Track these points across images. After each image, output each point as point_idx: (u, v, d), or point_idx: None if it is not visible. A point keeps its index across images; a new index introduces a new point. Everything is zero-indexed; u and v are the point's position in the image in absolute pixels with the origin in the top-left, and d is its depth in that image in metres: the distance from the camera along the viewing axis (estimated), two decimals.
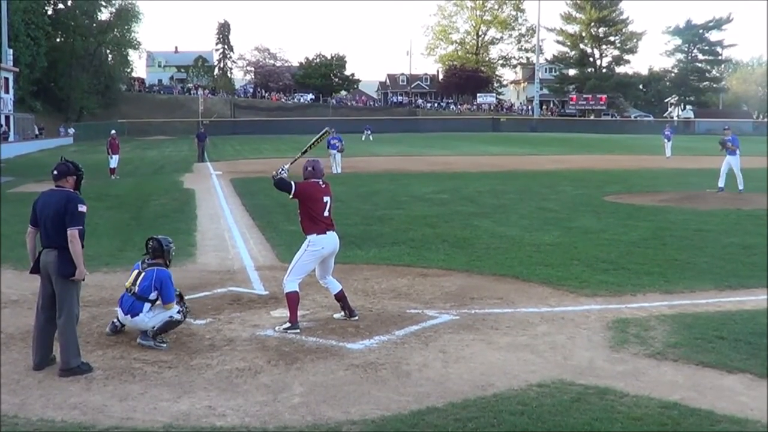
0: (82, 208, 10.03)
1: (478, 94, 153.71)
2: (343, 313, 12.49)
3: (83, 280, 10.19)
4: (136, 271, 11.54)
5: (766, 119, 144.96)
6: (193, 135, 66.33)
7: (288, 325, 11.83)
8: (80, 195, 10.27)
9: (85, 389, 9.32)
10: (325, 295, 13.06)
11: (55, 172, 10.24)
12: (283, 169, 12.18)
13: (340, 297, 12.54)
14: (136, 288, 11.25)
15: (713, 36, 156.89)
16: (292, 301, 11.99)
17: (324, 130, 13.16)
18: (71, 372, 9.79)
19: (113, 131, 46.50)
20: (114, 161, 43.11)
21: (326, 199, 12.29)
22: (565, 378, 9.53)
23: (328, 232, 12.20)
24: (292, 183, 12.03)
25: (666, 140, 58.98)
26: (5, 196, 32.38)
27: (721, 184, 31.08)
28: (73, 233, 9.88)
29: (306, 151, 12.74)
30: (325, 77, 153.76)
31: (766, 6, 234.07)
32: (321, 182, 12.41)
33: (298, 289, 12.09)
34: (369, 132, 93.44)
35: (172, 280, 11.44)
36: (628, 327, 11.78)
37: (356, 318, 12.36)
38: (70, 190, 10.22)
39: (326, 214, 12.25)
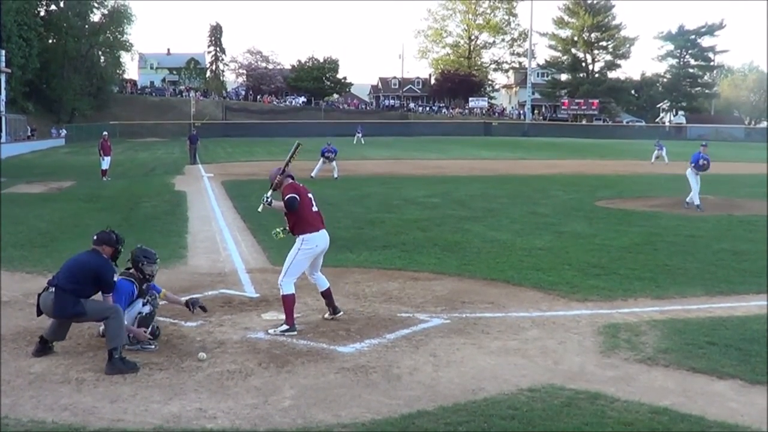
0: (116, 278, 10.68)
1: (470, 98, 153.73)
2: (328, 311, 12.57)
3: None
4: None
5: (766, 125, 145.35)
6: (185, 137, 66.32)
7: (285, 327, 11.81)
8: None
9: (76, 391, 9.31)
10: (317, 297, 13.04)
11: (95, 237, 10.85)
12: (267, 197, 12.25)
13: (327, 294, 12.58)
14: None
15: (705, 42, 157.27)
16: (289, 303, 11.96)
17: (296, 144, 12.90)
18: (113, 365, 9.99)
19: (105, 133, 46.41)
20: (105, 163, 43.01)
21: (310, 195, 12.40)
22: (556, 383, 9.54)
23: (320, 230, 12.25)
24: (292, 195, 12.04)
25: (659, 150, 59.02)
26: None
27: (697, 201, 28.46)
28: (108, 299, 10.53)
29: (283, 170, 12.50)
30: (317, 80, 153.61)
31: (765, 11, 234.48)
32: (298, 183, 12.49)
33: (294, 291, 12.06)
34: (360, 134, 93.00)
35: (126, 294, 11.09)
36: (618, 332, 11.80)
37: (341, 313, 12.49)
38: (107, 257, 10.73)
39: (315, 209, 12.32)
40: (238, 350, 10.97)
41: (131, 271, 11.46)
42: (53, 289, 10.37)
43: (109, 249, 10.77)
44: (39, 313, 10.67)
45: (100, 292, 10.53)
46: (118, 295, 10.93)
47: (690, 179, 28.89)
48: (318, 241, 12.17)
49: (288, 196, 12.05)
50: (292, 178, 12.55)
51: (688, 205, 28.38)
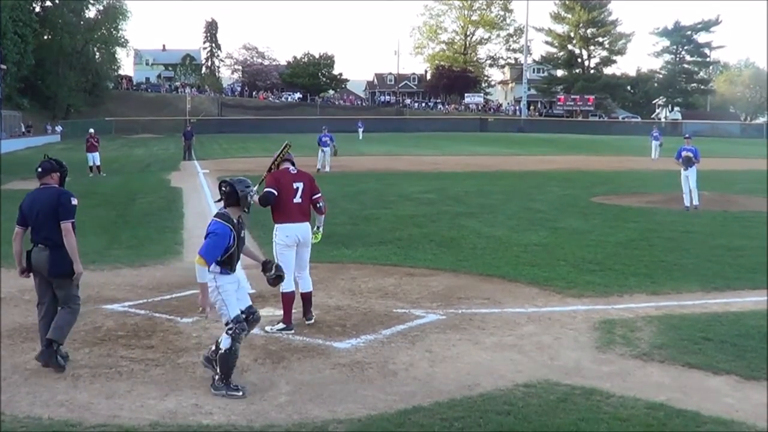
0: (74, 201, 10.17)
1: (465, 94, 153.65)
2: (307, 316, 12.23)
3: (80, 278, 10.25)
4: None
5: (762, 121, 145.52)
6: (180, 133, 66.28)
7: (282, 326, 11.73)
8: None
9: (72, 387, 9.31)
10: (313, 294, 13.01)
11: (39, 170, 10.32)
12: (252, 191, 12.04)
13: (305, 298, 12.24)
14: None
15: (701, 38, 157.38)
16: (288, 301, 11.86)
17: (285, 144, 12.45)
18: (50, 354, 9.85)
19: (91, 130, 46.52)
20: (96, 159, 43.15)
21: (297, 185, 11.97)
22: (552, 378, 9.55)
23: (295, 223, 11.86)
24: (268, 190, 11.83)
25: (654, 141, 58.95)
26: None
27: (687, 202, 27.54)
28: (66, 226, 9.98)
29: (271, 168, 12.26)
30: (312, 76, 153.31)
31: (765, 10, 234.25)
32: (292, 168, 12.19)
33: (293, 289, 11.95)
34: (362, 129, 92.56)
35: (222, 237, 9.22)
36: (614, 328, 11.81)
37: (311, 321, 12.11)
38: (57, 185, 10.28)
39: (297, 200, 11.92)
40: None
41: (235, 209, 9.48)
42: (43, 246, 10.09)
43: (56, 175, 10.35)
44: (29, 271, 10.31)
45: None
46: (216, 239, 9.18)
47: (691, 180, 27.43)
48: (289, 231, 11.78)
49: (264, 190, 11.84)
50: (293, 164, 12.31)
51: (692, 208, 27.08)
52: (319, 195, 12.34)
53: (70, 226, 10.03)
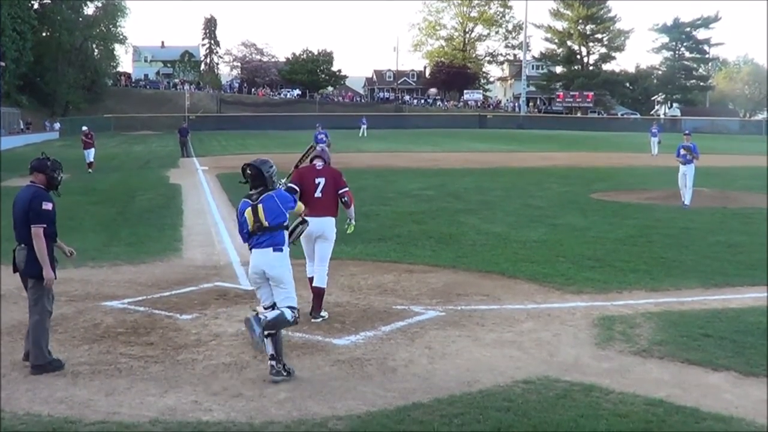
0: (47, 206, 9.93)
1: (464, 91, 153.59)
2: (312, 313, 12.36)
3: (51, 284, 9.97)
4: (249, 209, 9.83)
5: (761, 117, 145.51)
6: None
7: (325, 314, 12.39)
8: (50, 193, 10.14)
9: (72, 384, 9.31)
10: (325, 291, 12.99)
11: (29, 166, 10.29)
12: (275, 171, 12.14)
13: (315, 293, 12.46)
14: (266, 221, 9.67)
15: (700, 34, 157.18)
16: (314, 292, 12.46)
17: (310, 146, 13.08)
18: (42, 369, 9.75)
19: (84, 127, 46.53)
20: (90, 155, 43.20)
21: (319, 180, 12.37)
22: (551, 375, 9.56)
23: (313, 216, 12.01)
24: (290, 185, 12.01)
25: (653, 137, 58.82)
26: None
27: (686, 200, 27.16)
28: (36, 231, 9.78)
29: (298, 165, 12.62)
30: (311, 73, 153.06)
31: (765, 7, 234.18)
32: (318, 164, 12.56)
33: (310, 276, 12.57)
34: (365, 126, 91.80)
35: (287, 199, 9.87)
36: (613, 324, 11.82)
37: (320, 320, 12.22)
38: (40, 186, 10.12)
39: (317, 195, 12.30)
40: (234, 343, 10.97)
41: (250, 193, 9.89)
42: (24, 245, 9.96)
43: (41, 176, 10.15)
44: (15, 270, 10.17)
45: None
46: (283, 199, 9.79)
47: (689, 177, 27.10)
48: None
49: (287, 185, 12.02)
50: (325, 162, 12.71)
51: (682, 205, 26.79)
52: (345, 190, 12.67)
53: (41, 231, 9.80)
